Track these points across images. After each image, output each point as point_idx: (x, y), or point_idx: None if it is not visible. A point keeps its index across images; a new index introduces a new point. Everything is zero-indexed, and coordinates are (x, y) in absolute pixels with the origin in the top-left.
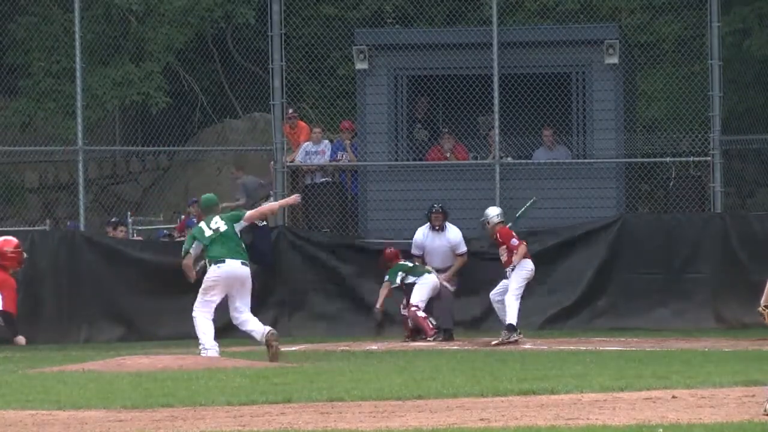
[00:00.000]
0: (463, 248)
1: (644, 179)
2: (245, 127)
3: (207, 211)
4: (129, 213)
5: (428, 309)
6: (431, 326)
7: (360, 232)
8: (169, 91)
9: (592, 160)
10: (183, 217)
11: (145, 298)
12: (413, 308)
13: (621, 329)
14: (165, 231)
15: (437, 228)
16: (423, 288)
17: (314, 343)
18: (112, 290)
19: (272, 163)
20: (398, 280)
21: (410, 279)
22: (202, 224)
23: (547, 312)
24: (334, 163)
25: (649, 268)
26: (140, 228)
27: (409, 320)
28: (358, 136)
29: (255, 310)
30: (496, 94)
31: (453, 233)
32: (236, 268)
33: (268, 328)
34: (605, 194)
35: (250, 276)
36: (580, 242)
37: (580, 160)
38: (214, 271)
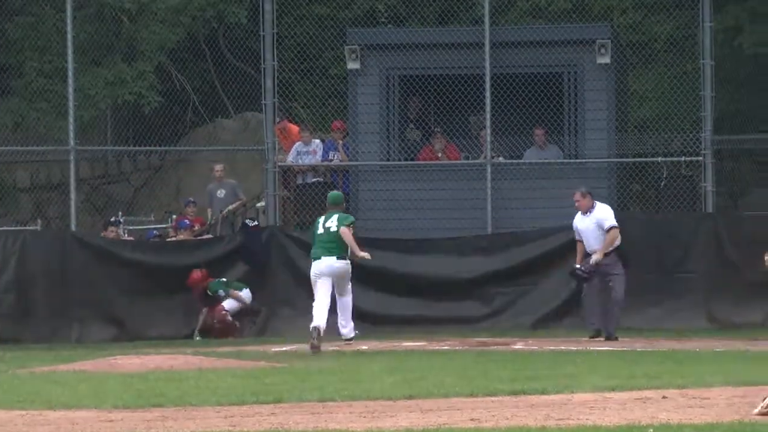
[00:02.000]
0: (609, 224)
1: (636, 179)
2: (237, 127)
3: (332, 207)
4: (120, 213)
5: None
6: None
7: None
8: (161, 90)
9: (583, 160)
10: (175, 217)
11: (137, 298)
12: (224, 312)
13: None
14: (155, 231)
15: (586, 212)
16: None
17: (305, 343)
18: (104, 290)
19: (264, 163)
20: (221, 292)
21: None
22: (321, 219)
23: (538, 312)
24: (325, 163)
25: (641, 268)
26: (131, 228)
27: (214, 320)
28: (349, 136)
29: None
30: (487, 93)
31: (599, 211)
32: (330, 263)
33: (320, 325)
34: (597, 194)
35: (345, 269)
36: (571, 242)
37: (571, 160)
38: (312, 268)
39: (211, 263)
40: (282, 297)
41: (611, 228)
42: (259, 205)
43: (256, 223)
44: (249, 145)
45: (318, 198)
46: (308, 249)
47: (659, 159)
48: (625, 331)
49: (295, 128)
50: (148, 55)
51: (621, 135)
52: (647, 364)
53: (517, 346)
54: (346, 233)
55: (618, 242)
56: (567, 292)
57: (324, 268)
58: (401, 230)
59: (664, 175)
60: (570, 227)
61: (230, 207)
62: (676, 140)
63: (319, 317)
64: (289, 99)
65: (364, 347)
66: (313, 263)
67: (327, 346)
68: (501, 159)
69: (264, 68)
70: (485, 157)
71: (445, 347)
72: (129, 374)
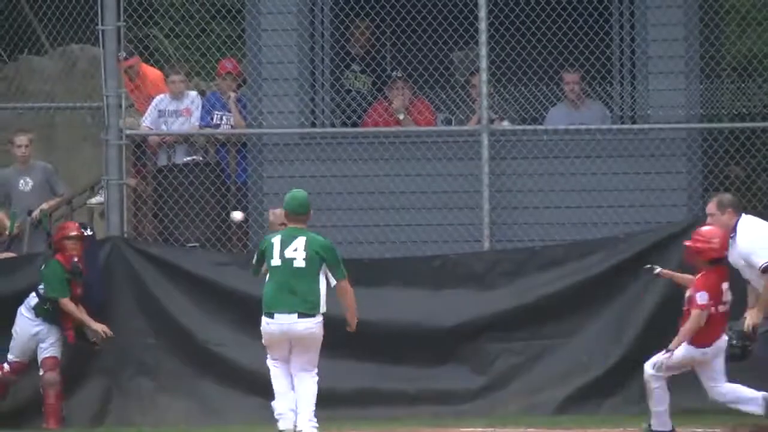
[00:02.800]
0: (761, 260)
1: (735, 157)
2: (56, 69)
3: (293, 220)
4: None
5: None
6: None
7: (251, 246)
8: None
9: (647, 126)
10: None
11: None
12: (49, 369)
13: (700, 414)
14: None
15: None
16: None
17: None
18: None
19: (103, 131)
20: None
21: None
22: (274, 241)
23: (570, 383)
24: (208, 130)
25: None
26: None
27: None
28: (248, 86)
29: (71, 382)
30: (482, 13)
31: (741, 236)
32: (288, 323)
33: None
34: (669, 182)
35: (313, 332)
36: (627, 265)
37: (626, 126)
38: (262, 325)
39: (12, 299)
40: (133, 357)
41: (764, 267)
42: (93, 202)
43: (89, 232)
44: (77, 101)
45: (195, 190)
46: (179, 277)
47: None
48: (722, 418)
49: (154, 72)
50: None
51: (710, 84)
52: None
53: None
54: (348, 292)
55: None
56: (619, 350)
57: (276, 332)
58: (338, 244)
59: None
60: (624, 238)
61: (43, 206)
62: None
63: (285, 413)
64: (145, 23)
65: None
66: (263, 319)
67: None
68: (506, 124)
69: None
70: (479, 121)
71: None
72: None
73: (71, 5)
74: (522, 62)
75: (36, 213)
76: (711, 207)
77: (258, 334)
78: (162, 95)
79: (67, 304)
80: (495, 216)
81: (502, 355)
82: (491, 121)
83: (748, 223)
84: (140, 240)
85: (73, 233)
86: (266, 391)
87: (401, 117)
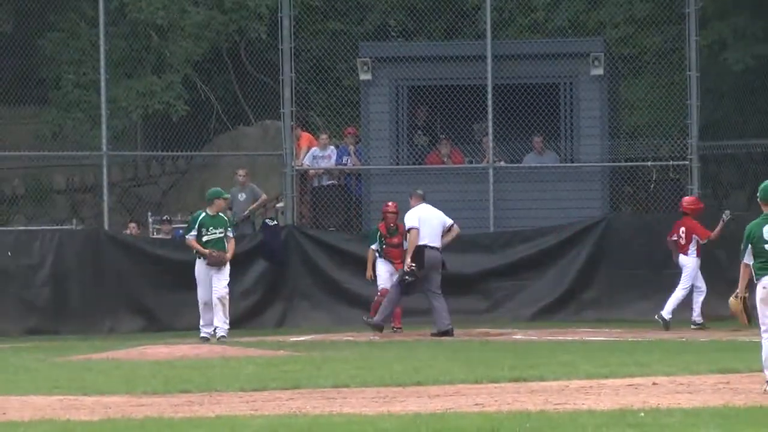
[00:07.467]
0: (406, 223)
1: (627, 182)
2: (257, 134)
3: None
4: (149, 213)
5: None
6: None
7: (364, 231)
8: (187, 100)
9: (579, 164)
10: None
11: (165, 291)
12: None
13: (606, 321)
14: (181, 231)
15: None
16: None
17: (320, 333)
18: (134, 285)
19: (282, 167)
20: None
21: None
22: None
23: (537, 304)
24: (339, 166)
25: (632, 264)
26: (159, 227)
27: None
28: (362, 142)
29: (265, 303)
30: (489, 102)
31: (409, 211)
32: None
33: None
34: (591, 196)
35: None
36: (568, 240)
37: (567, 164)
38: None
39: (234, 260)
40: (300, 291)
41: (408, 229)
42: (278, 205)
43: (275, 222)
44: (268, 151)
45: (332, 200)
46: (324, 247)
47: (649, 163)
48: (617, 323)
49: (305, 135)
50: (175, 68)
51: (614, 141)
52: (638, 353)
53: (517, 337)
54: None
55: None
56: (563, 286)
57: None
58: None
59: (654, 178)
60: (566, 225)
61: (252, 206)
62: (665, 146)
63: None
64: (305, 108)
65: (375, 338)
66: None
67: (333, 336)
68: (502, 163)
69: (282, 79)
70: (488, 162)
71: (449, 339)
72: (158, 362)
73: (266, 98)
74: (511, 129)
75: (247, 211)
76: (412, 200)
77: (361, 275)
78: (315, 147)
79: (371, 252)
80: (496, 213)
81: (499, 290)
82: (494, 162)
83: (418, 207)
84: (303, 226)
85: (391, 211)
86: (368, 310)
87: (445, 160)
